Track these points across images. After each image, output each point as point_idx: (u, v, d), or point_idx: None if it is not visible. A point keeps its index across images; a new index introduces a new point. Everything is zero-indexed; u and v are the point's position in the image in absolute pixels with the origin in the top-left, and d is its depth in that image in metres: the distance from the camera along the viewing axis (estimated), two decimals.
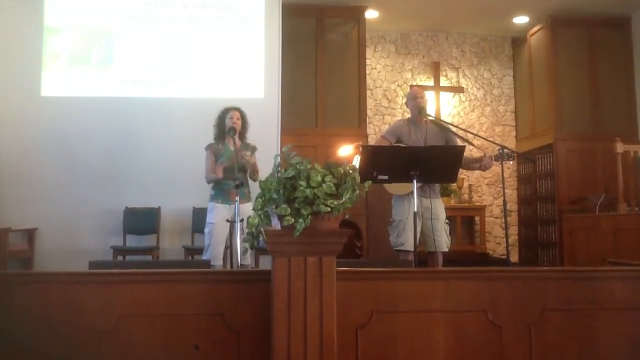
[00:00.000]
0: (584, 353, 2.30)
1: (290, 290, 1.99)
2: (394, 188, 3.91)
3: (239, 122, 4.37)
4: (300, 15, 6.81)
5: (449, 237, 4.01)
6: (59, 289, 2.14)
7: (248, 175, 4.31)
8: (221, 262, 4.31)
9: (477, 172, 7.56)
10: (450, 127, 4.25)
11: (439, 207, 3.98)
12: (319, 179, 1.97)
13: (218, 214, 4.24)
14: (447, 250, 3.95)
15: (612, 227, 5.44)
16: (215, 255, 4.23)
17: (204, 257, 4.31)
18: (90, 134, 5.78)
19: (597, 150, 6.89)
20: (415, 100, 4.05)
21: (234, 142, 4.19)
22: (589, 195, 6.35)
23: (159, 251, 5.65)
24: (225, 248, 4.30)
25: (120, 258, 5.45)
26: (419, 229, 3.70)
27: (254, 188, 4.03)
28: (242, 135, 4.44)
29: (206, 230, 4.33)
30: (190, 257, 5.52)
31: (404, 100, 4.45)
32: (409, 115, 4.19)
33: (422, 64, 8.02)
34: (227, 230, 4.16)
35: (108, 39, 6.03)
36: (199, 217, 5.39)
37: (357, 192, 2.04)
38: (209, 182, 4.36)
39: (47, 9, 5.97)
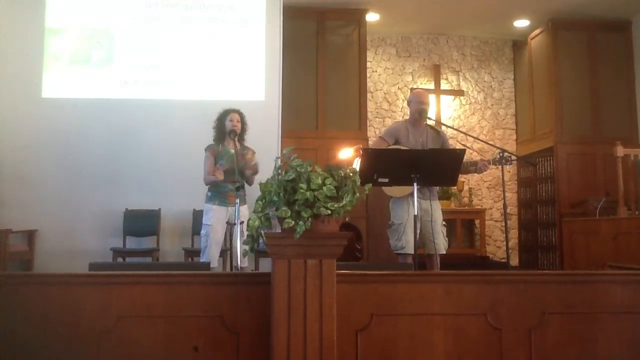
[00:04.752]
0: (583, 357, 2.30)
1: (290, 292, 1.99)
2: (392, 190, 3.90)
3: (239, 125, 4.35)
4: (301, 17, 6.82)
5: (446, 239, 4.00)
6: (58, 290, 2.14)
7: (245, 177, 4.26)
8: (217, 264, 4.29)
9: (477, 175, 7.56)
10: (450, 130, 4.25)
11: (437, 209, 3.97)
12: (320, 181, 1.98)
13: (215, 216, 4.22)
14: (444, 252, 3.95)
15: (612, 231, 5.44)
16: (211, 257, 4.20)
17: (202, 259, 4.28)
18: (90, 136, 5.78)
19: (597, 154, 6.89)
20: (419, 104, 4.01)
21: (235, 145, 4.18)
22: (589, 198, 6.34)
23: (158, 253, 5.65)
24: (223, 250, 4.28)
25: (120, 260, 5.46)
26: (418, 231, 3.69)
27: (249, 191, 4.05)
28: (241, 137, 4.43)
29: (202, 232, 4.30)
30: (190, 259, 5.51)
31: (406, 100, 4.44)
32: (407, 117, 4.19)
33: (422, 66, 8.02)
34: (224, 233, 4.15)
35: (109, 39, 6.03)
36: (199, 219, 5.36)
37: (358, 194, 2.04)
38: (207, 184, 4.31)
39: (48, 10, 5.97)
